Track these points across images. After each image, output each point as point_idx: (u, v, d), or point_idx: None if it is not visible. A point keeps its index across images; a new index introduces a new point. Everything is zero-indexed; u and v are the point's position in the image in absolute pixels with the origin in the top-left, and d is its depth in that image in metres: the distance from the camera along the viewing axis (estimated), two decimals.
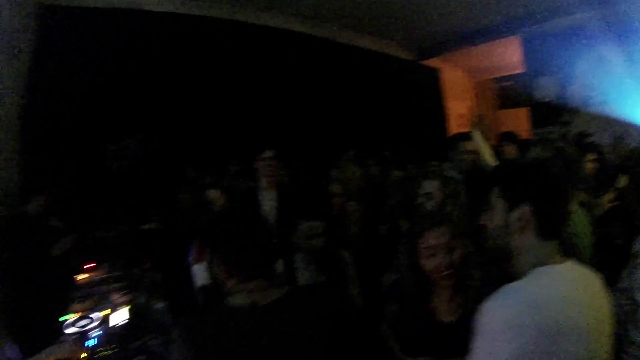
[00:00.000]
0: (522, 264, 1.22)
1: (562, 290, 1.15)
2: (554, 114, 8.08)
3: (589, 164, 3.58)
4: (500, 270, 1.42)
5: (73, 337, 2.12)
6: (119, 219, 3.86)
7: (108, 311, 2.40)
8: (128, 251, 3.39)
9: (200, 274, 2.76)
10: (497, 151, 4.15)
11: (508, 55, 9.64)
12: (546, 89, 8.18)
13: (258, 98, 6.01)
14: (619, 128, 6.62)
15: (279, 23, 6.81)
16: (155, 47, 4.97)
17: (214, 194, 3.17)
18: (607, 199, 3.30)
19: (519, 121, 9.76)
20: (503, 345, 1.06)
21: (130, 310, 2.45)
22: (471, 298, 1.60)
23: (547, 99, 8.23)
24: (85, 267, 2.98)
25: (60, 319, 2.27)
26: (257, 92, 6.02)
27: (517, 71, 9.71)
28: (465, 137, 3.47)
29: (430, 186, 2.67)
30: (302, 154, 5.55)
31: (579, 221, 2.56)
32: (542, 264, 1.18)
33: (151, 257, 3.36)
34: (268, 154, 3.21)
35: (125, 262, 3.14)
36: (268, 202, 3.14)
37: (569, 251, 1.27)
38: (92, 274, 2.97)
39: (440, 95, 10.68)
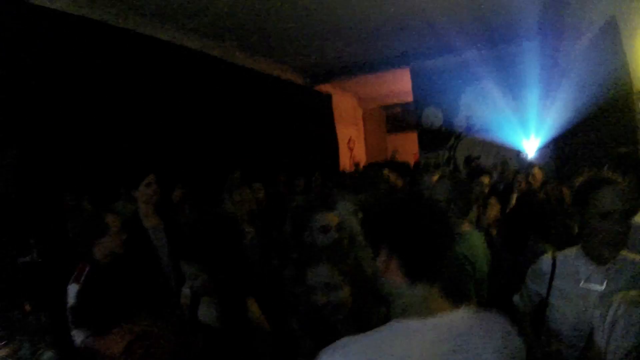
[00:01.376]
0: (395, 309, 1.23)
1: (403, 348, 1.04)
2: (440, 139, 8.86)
3: (484, 186, 3.88)
4: None
5: None
6: None
7: None
8: (3, 291, 2.89)
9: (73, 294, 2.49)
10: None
11: (397, 85, 10.39)
12: (433, 117, 8.94)
13: (145, 114, 5.62)
14: (502, 152, 7.52)
15: (173, 37, 6.45)
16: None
17: (110, 218, 2.87)
18: (492, 213, 3.53)
19: (407, 144, 10.51)
20: None
21: None
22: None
23: (433, 127, 9.00)
24: None
25: None
26: (145, 107, 5.64)
27: (406, 100, 10.49)
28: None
29: (327, 219, 2.53)
30: (190, 177, 5.31)
31: (474, 241, 2.45)
32: (414, 311, 1.10)
33: (31, 296, 2.90)
34: (149, 179, 3.03)
35: (2, 306, 2.67)
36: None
37: (459, 296, 1.18)
38: None
39: (331, 120, 11.03)
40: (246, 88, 7.62)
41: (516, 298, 2.04)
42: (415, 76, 9.02)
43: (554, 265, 1.82)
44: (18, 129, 4.31)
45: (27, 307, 2.85)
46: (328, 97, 10.91)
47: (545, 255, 1.91)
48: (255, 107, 7.76)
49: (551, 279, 1.80)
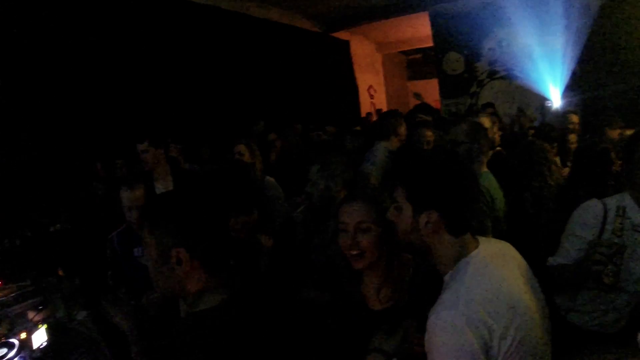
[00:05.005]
0: (441, 259, 1.26)
1: (493, 275, 1.20)
2: (462, 85, 8.57)
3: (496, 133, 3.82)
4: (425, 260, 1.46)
5: None
6: (21, 225, 3.46)
7: (24, 335, 2.17)
8: (37, 260, 3.07)
9: None
10: (413, 124, 4.26)
11: (417, 30, 9.99)
12: (454, 62, 8.62)
13: (162, 74, 5.62)
14: (527, 100, 7.26)
15: None
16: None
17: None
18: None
19: (428, 91, 10.26)
20: (456, 354, 1.09)
21: (48, 328, 2.23)
22: (405, 286, 1.56)
23: (455, 73, 8.69)
24: None
25: None
26: (162, 67, 5.63)
27: (426, 45, 10.11)
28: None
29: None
30: (212, 129, 5.33)
31: (491, 181, 2.69)
32: (460, 256, 1.24)
33: (64, 262, 3.08)
34: (143, 146, 3.19)
35: (36, 274, 2.85)
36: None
37: (478, 227, 1.35)
38: (1, 294, 2.66)
39: (350, 67, 10.78)
40: (261, 39, 7.48)
41: (554, 259, 2.02)
42: (435, 20, 8.64)
43: (605, 211, 1.87)
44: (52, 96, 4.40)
45: (61, 272, 3.05)
46: (345, 44, 10.64)
47: (593, 201, 1.94)
48: (271, 58, 7.65)
49: (603, 224, 1.85)
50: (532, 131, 4.85)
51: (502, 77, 8.14)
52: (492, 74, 8.29)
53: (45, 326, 2.23)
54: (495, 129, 3.59)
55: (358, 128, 6.16)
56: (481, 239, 1.30)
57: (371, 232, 1.50)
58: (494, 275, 1.20)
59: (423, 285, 1.51)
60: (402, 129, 3.76)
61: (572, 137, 4.08)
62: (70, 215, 3.89)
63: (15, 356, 1.96)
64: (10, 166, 3.98)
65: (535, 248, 2.01)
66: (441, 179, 1.23)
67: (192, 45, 6.13)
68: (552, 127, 4.35)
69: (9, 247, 3.20)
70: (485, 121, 3.22)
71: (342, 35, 10.43)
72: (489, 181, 2.67)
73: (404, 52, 13.46)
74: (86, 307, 2.58)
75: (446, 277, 1.25)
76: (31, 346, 2.05)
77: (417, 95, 9.75)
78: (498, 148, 3.81)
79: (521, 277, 1.27)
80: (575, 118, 4.53)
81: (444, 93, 9.06)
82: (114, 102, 5.02)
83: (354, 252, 1.51)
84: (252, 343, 1.16)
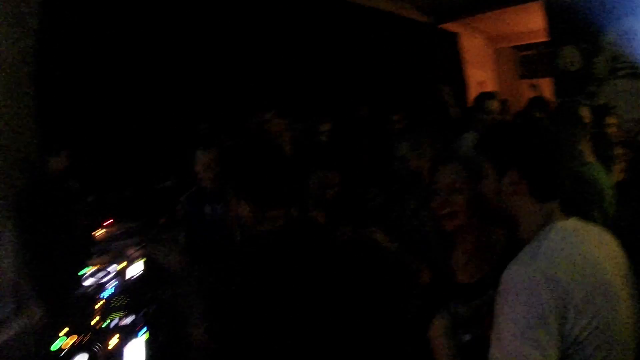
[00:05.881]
0: (525, 225, 1.24)
1: (577, 245, 1.15)
2: (578, 84, 7.76)
3: (610, 127, 3.53)
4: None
5: (90, 288, 2.23)
6: (135, 179, 3.97)
7: (124, 264, 2.53)
8: (145, 208, 3.50)
9: None
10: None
11: (530, 22, 9.30)
12: (570, 58, 7.86)
13: (267, 56, 5.87)
14: None
15: None
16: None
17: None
18: (618, 169, 3.26)
19: (542, 91, 9.51)
20: (527, 309, 1.05)
21: (144, 263, 2.56)
22: (495, 258, 1.53)
23: (571, 69, 7.90)
24: (103, 224, 3.14)
25: (80, 273, 2.42)
26: (265, 50, 5.88)
27: (540, 39, 9.38)
28: (490, 96, 3.52)
29: None
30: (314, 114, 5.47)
31: (599, 175, 2.61)
32: (545, 224, 1.20)
33: (168, 213, 3.47)
34: (268, 116, 3.33)
35: (142, 219, 3.28)
36: None
37: (573, 210, 1.28)
38: (109, 230, 3.12)
39: (459, 61, 10.34)
40: (366, 28, 7.42)
41: None
42: (550, 11, 7.83)
43: None
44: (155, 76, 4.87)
45: (163, 220, 3.46)
46: (454, 37, 10.22)
47: None
48: (375, 47, 7.57)
49: None
50: None
51: (626, 76, 7.22)
52: (614, 72, 7.40)
53: (141, 261, 2.57)
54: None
55: None
56: (574, 218, 1.25)
57: (463, 192, 1.53)
58: (580, 245, 1.16)
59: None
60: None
61: None
62: (178, 177, 4.28)
63: (108, 282, 2.29)
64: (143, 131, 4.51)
65: None
66: (520, 137, 1.26)
67: (298, 31, 6.29)
68: None
69: (123, 196, 3.70)
70: (584, 111, 3.03)
71: (451, 27, 10.03)
72: (597, 172, 2.62)
73: (517, 47, 12.56)
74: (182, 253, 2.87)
75: None
76: (124, 276, 2.38)
77: (533, 87, 9.01)
78: None
79: (616, 265, 1.19)
80: None
81: (559, 92, 8.29)
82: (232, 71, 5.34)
83: (446, 212, 1.54)
84: None
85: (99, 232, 3.05)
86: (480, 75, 11.25)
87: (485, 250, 1.57)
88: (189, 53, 4.92)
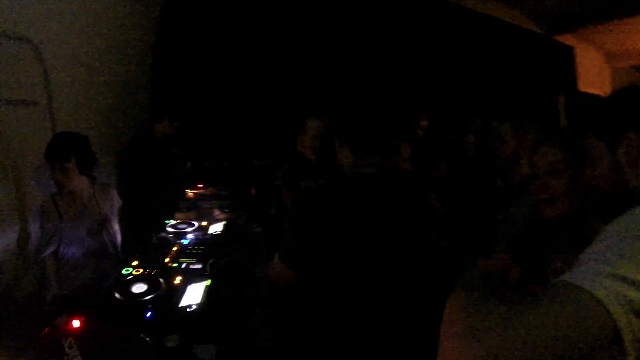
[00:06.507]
0: None
1: None
2: None
3: None
4: None
5: (170, 234, 2.39)
6: (234, 154, 4.18)
7: (206, 223, 2.68)
8: (239, 180, 3.66)
9: None
10: None
11: None
12: None
13: (384, 58, 5.79)
14: None
15: None
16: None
17: None
18: None
19: None
20: None
21: (226, 224, 2.67)
22: None
23: None
24: (196, 186, 3.37)
25: (166, 221, 2.62)
26: (382, 52, 5.81)
27: None
28: None
29: None
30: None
31: None
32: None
33: (258, 185, 3.58)
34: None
35: (232, 187, 3.44)
36: None
37: None
38: (201, 191, 3.34)
39: (573, 78, 9.18)
40: (474, 34, 7.03)
41: None
42: None
43: None
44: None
45: (253, 191, 3.59)
46: (569, 51, 9.05)
47: None
48: (483, 55, 7.13)
49: None
50: None
51: None
52: None
53: (223, 223, 2.69)
54: None
55: None
56: None
57: (563, 176, 1.39)
58: None
59: None
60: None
61: None
62: (274, 157, 4.39)
63: (188, 232, 2.46)
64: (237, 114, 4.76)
65: None
66: (630, 98, 1.05)
67: (401, 34, 6.16)
68: None
69: (221, 166, 3.92)
70: None
71: (567, 40, 8.92)
72: None
73: (637, 68, 10.81)
74: (260, 224, 2.95)
75: None
76: (205, 231, 2.52)
77: None
78: None
79: None
80: None
81: None
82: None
83: (545, 196, 1.41)
84: None
85: (190, 192, 3.29)
86: (594, 93, 9.86)
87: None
88: (296, 37, 5.05)
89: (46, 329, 1.13)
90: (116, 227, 2.49)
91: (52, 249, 2.27)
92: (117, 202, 2.52)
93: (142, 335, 1.18)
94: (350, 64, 5.46)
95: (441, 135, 4.17)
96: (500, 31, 7.50)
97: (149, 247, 2.21)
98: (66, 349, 1.02)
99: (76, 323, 1.14)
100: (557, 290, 0.74)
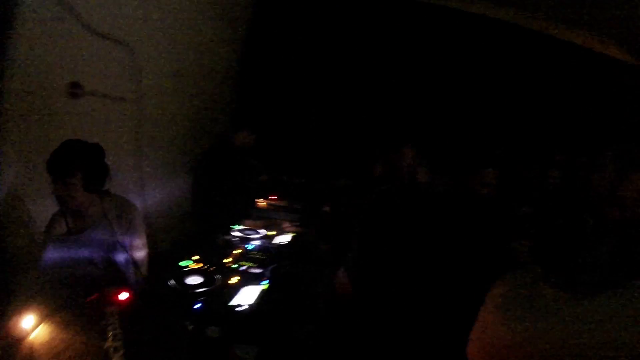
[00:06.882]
0: None
1: None
2: None
3: None
4: None
5: (235, 238, 2.41)
6: (312, 172, 4.19)
7: (274, 232, 2.67)
8: (312, 196, 3.65)
9: None
10: None
11: None
12: None
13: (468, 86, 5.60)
14: None
15: (480, 9, 6.09)
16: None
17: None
18: None
19: None
20: None
21: (294, 237, 2.65)
22: None
23: None
24: (268, 197, 3.40)
25: (232, 226, 2.65)
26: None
27: None
28: None
29: None
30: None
31: None
32: None
33: (332, 204, 3.54)
34: None
35: (306, 203, 3.43)
36: None
37: None
38: (273, 202, 3.37)
39: None
40: (559, 64, 6.54)
41: None
42: None
43: None
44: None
45: (327, 209, 3.56)
46: None
47: None
48: (569, 85, 6.61)
49: None
50: None
51: None
52: None
53: (291, 235, 2.67)
54: None
55: None
56: None
57: None
58: None
59: None
60: None
61: None
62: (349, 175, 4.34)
63: (256, 239, 2.46)
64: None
65: None
66: None
67: (491, 65, 5.92)
68: None
69: (298, 182, 3.95)
70: None
71: None
72: None
73: None
74: (329, 242, 2.90)
75: None
76: (271, 240, 2.51)
77: None
78: None
79: None
80: None
81: None
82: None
83: None
84: None
85: (262, 202, 3.33)
86: None
87: None
88: (383, 64, 5.04)
89: (95, 294, 1.15)
90: (139, 241, 2.02)
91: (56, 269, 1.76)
92: (138, 216, 2.03)
93: (184, 323, 1.16)
94: (433, 93, 5.34)
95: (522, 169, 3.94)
96: (590, 61, 6.98)
97: (213, 246, 2.23)
98: (107, 317, 1.02)
99: (123, 296, 1.14)
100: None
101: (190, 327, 1.13)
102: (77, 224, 1.85)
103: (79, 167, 1.73)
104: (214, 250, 2.15)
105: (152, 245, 2.72)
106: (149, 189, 2.69)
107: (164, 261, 2.02)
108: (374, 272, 1.36)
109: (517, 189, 3.09)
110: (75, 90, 1.95)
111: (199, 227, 2.62)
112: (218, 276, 1.76)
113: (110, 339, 0.94)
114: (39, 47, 1.74)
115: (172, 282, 1.60)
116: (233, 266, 1.97)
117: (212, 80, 3.59)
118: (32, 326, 0.98)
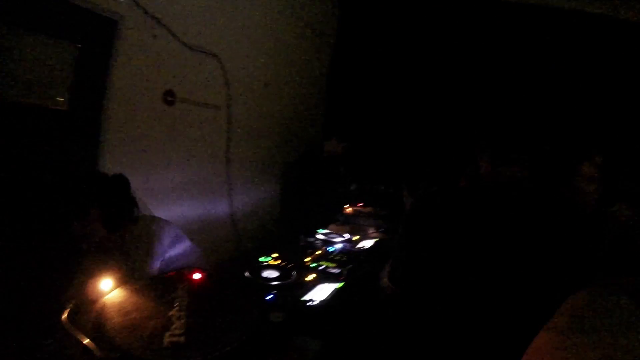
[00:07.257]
0: None
1: None
2: None
3: None
4: None
5: (318, 240, 2.45)
6: (396, 180, 4.13)
7: (358, 237, 2.67)
8: (399, 204, 3.58)
9: None
10: None
11: None
12: None
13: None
14: None
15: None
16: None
17: None
18: None
19: None
20: None
21: (377, 242, 2.63)
22: None
23: None
24: (354, 204, 3.41)
25: (317, 230, 2.69)
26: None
27: None
28: None
29: None
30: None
31: None
32: None
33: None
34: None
35: (392, 210, 3.37)
36: None
37: None
38: (359, 208, 3.36)
39: None
40: (630, 47, 5.59)
41: None
42: None
43: None
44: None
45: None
46: None
47: None
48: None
49: None
50: None
51: None
52: None
53: (374, 240, 2.65)
54: None
55: None
56: None
57: None
58: None
59: None
60: None
61: None
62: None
63: (339, 243, 2.48)
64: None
65: None
66: None
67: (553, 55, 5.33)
68: None
69: (386, 191, 3.91)
70: None
71: None
72: None
73: None
74: None
75: None
76: (354, 244, 2.51)
77: None
78: None
79: None
80: None
81: None
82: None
83: None
84: None
85: (349, 208, 3.34)
86: None
87: None
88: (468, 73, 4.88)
89: (172, 272, 1.25)
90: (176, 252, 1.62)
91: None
92: (173, 231, 1.63)
93: (253, 309, 1.20)
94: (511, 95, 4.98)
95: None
96: None
97: (295, 246, 2.29)
98: (178, 291, 1.10)
99: (197, 275, 1.22)
100: None
101: (257, 315, 1.17)
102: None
103: (94, 203, 1.43)
104: (295, 249, 2.21)
105: (236, 246, 2.89)
106: (236, 194, 2.84)
107: (245, 258, 2.13)
108: (431, 276, 1.29)
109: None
110: (169, 97, 2.16)
111: (285, 231, 2.70)
112: (294, 272, 1.79)
113: (177, 308, 1.01)
114: (136, 61, 1.97)
115: (247, 273, 1.67)
116: (312, 265, 2.00)
117: (302, 90, 3.72)
118: (109, 289, 1.09)
